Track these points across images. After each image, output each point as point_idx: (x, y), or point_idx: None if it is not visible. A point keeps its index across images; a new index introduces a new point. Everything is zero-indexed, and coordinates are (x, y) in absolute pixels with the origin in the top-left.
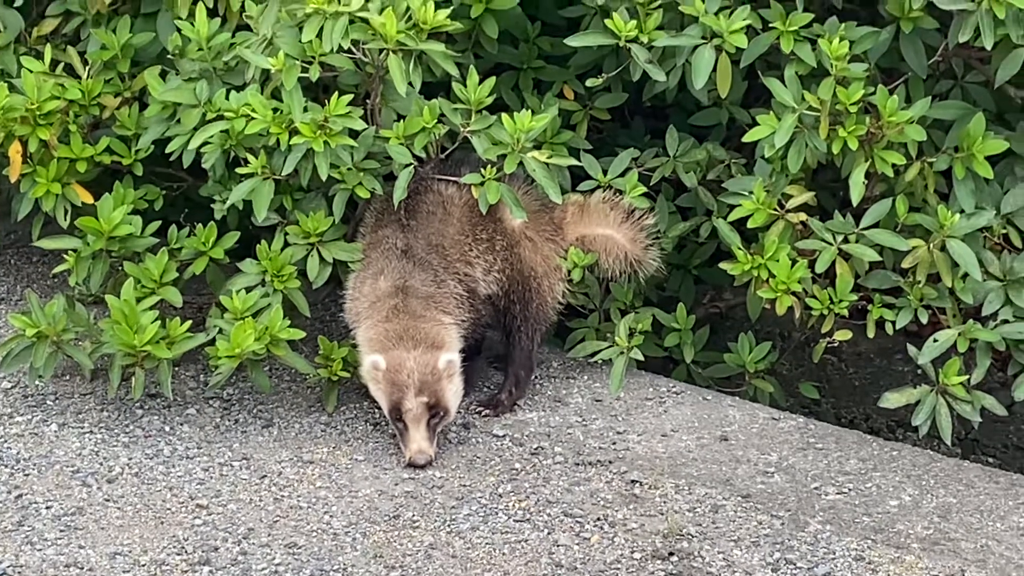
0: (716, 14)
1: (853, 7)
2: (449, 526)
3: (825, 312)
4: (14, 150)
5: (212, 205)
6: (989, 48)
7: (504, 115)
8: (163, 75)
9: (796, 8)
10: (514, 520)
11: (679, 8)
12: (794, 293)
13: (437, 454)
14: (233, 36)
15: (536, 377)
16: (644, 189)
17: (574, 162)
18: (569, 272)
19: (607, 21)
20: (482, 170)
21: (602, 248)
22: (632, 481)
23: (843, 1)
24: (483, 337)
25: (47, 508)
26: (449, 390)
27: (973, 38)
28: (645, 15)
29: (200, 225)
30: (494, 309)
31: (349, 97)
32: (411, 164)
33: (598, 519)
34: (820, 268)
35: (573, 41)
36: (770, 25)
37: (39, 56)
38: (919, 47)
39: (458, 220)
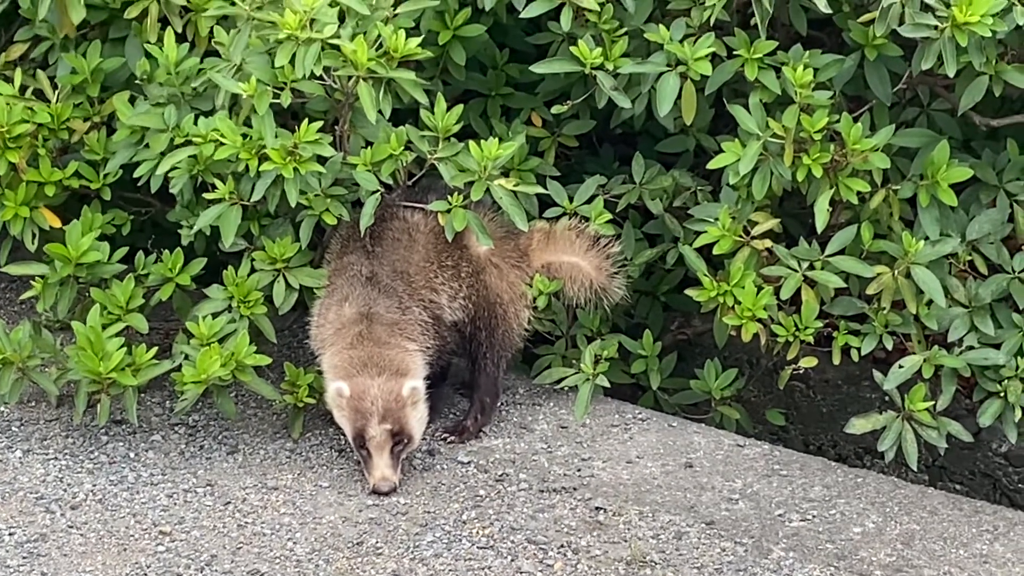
0: (681, 41)
1: (818, 34)
2: (413, 553)
3: (791, 339)
4: None
5: (179, 231)
6: (952, 75)
7: (471, 143)
8: (132, 100)
9: (760, 36)
10: (478, 547)
11: (644, 36)
12: (760, 320)
13: (401, 480)
14: (202, 61)
15: (502, 403)
16: (610, 216)
17: (541, 190)
18: (535, 299)
19: (573, 48)
20: (449, 197)
21: (568, 276)
22: (596, 508)
23: (807, 29)
24: (448, 364)
25: (10, 535)
26: (413, 417)
27: (937, 65)
28: (611, 42)
29: (167, 251)
30: (460, 336)
31: (319, 124)
32: (378, 191)
33: (562, 546)
34: (785, 295)
35: (539, 68)
36: (735, 53)
37: (8, 80)
38: (883, 75)
39: (423, 247)
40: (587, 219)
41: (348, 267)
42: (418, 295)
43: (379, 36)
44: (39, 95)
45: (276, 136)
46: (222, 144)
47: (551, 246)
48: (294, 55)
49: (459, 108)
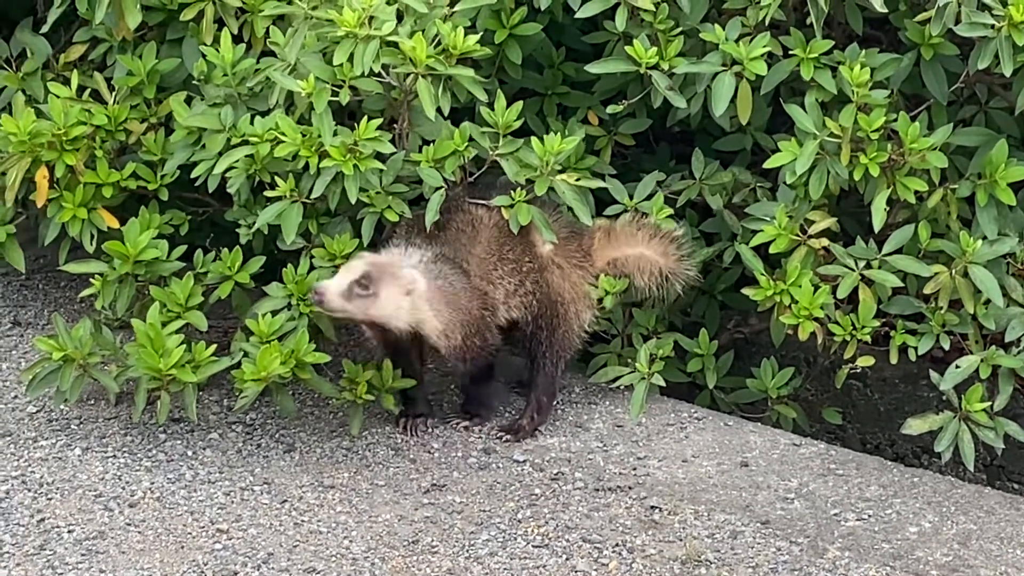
0: (736, 41)
1: (874, 33)
2: (468, 551)
3: (848, 338)
4: (41, 175)
5: (237, 229)
6: (1008, 74)
7: (533, 138)
8: (188, 101)
9: (816, 35)
10: (533, 546)
11: (699, 35)
12: (816, 319)
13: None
14: (258, 62)
15: (558, 402)
16: (671, 211)
17: (603, 184)
18: (600, 300)
19: (628, 48)
20: (512, 192)
21: (635, 267)
22: (652, 507)
23: (863, 27)
24: (492, 363)
25: (69, 532)
26: (392, 290)
27: (993, 64)
28: (666, 42)
29: (226, 249)
30: (520, 334)
31: (378, 121)
32: (442, 187)
33: (617, 545)
34: (842, 294)
35: (595, 68)
36: (790, 52)
37: (66, 82)
38: (940, 73)
39: (486, 240)
40: (647, 215)
41: (412, 253)
42: (474, 287)
43: (437, 33)
44: (96, 96)
45: (336, 133)
46: (281, 142)
47: (613, 242)
48: (352, 53)
49: (518, 105)
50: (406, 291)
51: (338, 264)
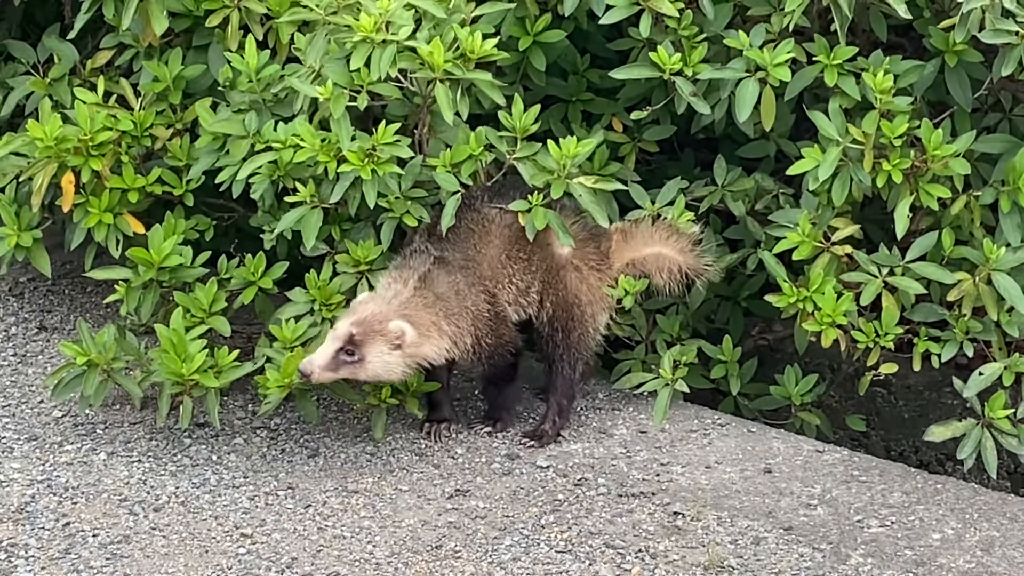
0: (760, 48)
1: (898, 40)
2: (491, 556)
3: (871, 345)
4: (67, 180)
5: (261, 235)
6: None
7: (550, 142)
8: (214, 107)
9: (840, 41)
10: (556, 551)
11: (724, 42)
12: (840, 326)
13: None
14: (282, 68)
15: (581, 408)
16: (691, 215)
17: (620, 186)
18: (620, 301)
19: (652, 55)
20: (529, 196)
21: (654, 266)
22: (675, 513)
23: (887, 34)
24: (515, 364)
25: (94, 536)
26: (377, 348)
27: (1018, 71)
28: (690, 48)
29: (249, 255)
30: (537, 336)
31: (397, 126)
32: (458, 191)
33: (640, 551)
34: (865, 301)
35: (618, 74)
36: (814, 59)
37: (92, 88)
38: (964, 80)
39: (498, 240)
40: (664, 216)
41: (421, 250)
42: (481, 284)
43: (455, 38)
44: (122, 102)
45: (354, 139)
46: (301, 148)
47: (631, 242)
48: (370, 58)
49: (536, 108)
50: (393, 346)
51: (362, 271)
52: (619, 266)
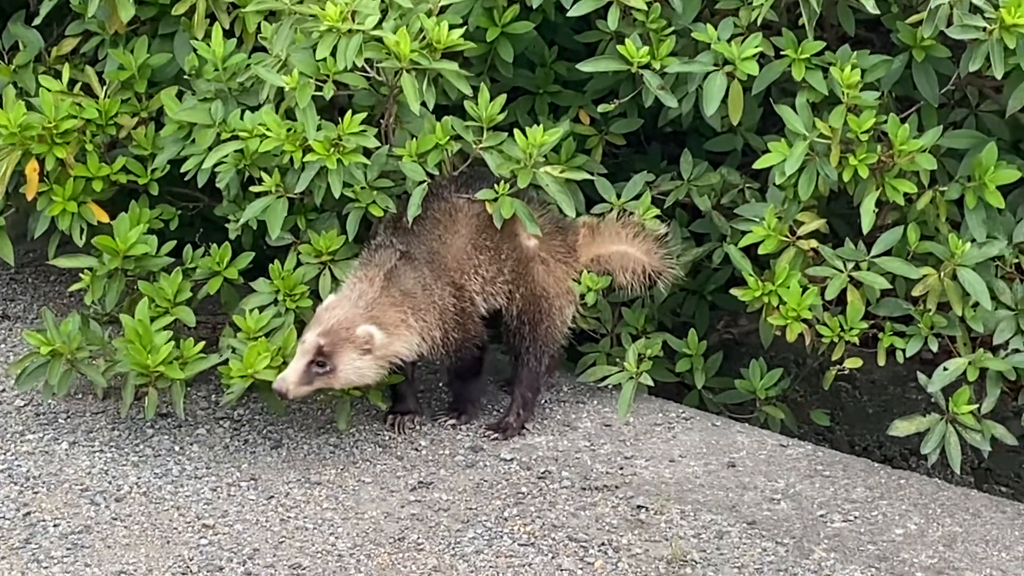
0: (728, 41)
1: (866, 35)
2: (454, 549)
3: (836, 339)
4: (31, 168)
5: (227, 225)
6: (999, 77)
7: (517, 131)
8: (179, 95)
9: (808, 36)
10: (519, 544)
11: (691, 35)
12: (805, 320)
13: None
14: (249, 57)
15: (546, 401)
16: (657, 212)
17: (588, 176)
18: (582, 296)
19: (620, 47)
20: (496, 186)
21: (618, 265)
22: (638, 506)
23: (855, 29)
24: (481, 357)
25: (55, 526)
26: (348, 356)
27: (985, 67)
28: (658, 41)
29: (215, 245)
30: (504, 329)
31: (362, 115)
32: (424, 181)
33: (603, 544)
34: (830, 295)
35: (586, 66)
36: (782, 53)
37: (57, 75)
38: (931, 75)
39: (465, 230)
40: (632, 213)
41: (386, 244)
42: (447, 276)
43: (422, 28)
44: (87, 90)
45: (319, 128)
46: (267, 137)
47: (598, 238)
48: (336, 47)
49: (502, 98)
50: (363, 351)
51: (325, 261)
52: (585, 260)
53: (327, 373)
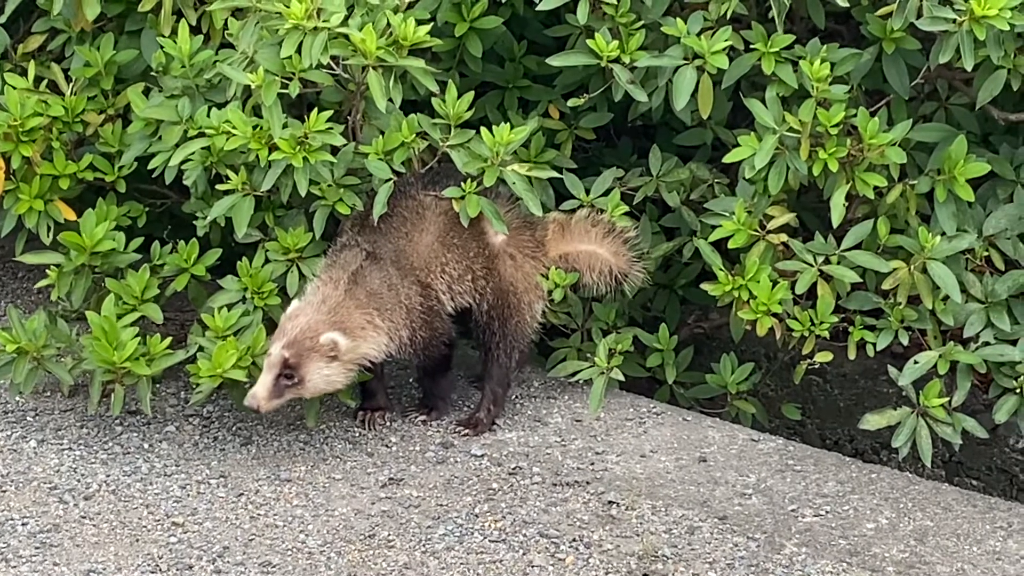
0: (698, 35)
1: (836, 28)
2: (424, 546)
3: (806, 333)
4: None
5: (195, 222)
6: (969, 69)
7: (484, 129)
8: (146, 92)
9: (778, 29)
10: (489, 540)
11: (661, 29)
12: (775, 314)
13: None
14: (216, 54)
15: (516, 396)
16: (626, 208)
17: (555, 174)
18: (550, 293)
19: (589, 41)
20: (463, 184)
21: (586, 264)
22: (609, 502)
23: (825, 22)
24: (449, 355)
25: (23, 525)
26: (315, 365)
27: (955, 59)
28: (627, 35)
29: (183, 242)
30: (474, 325)
31: (329, 113)
32: (390, 179)
33: (574, 540)
34: (801, 289)
35: (555, 61)
36: (752, 46)
37: (23, 73)
38: (902, 68)
39: (432, 227)
40: (603, 211)
41: (351, 244)
42: (413, 275)
43: (388, 25)
44: (54, 87)
45: (285, 126)
46: (233, 135)
47: (567, 236)
48: (301, 45)
49: (469, 95)
50: (329, 359)
51: (292, 258)
52: (553, 256)
53: (296, 385)
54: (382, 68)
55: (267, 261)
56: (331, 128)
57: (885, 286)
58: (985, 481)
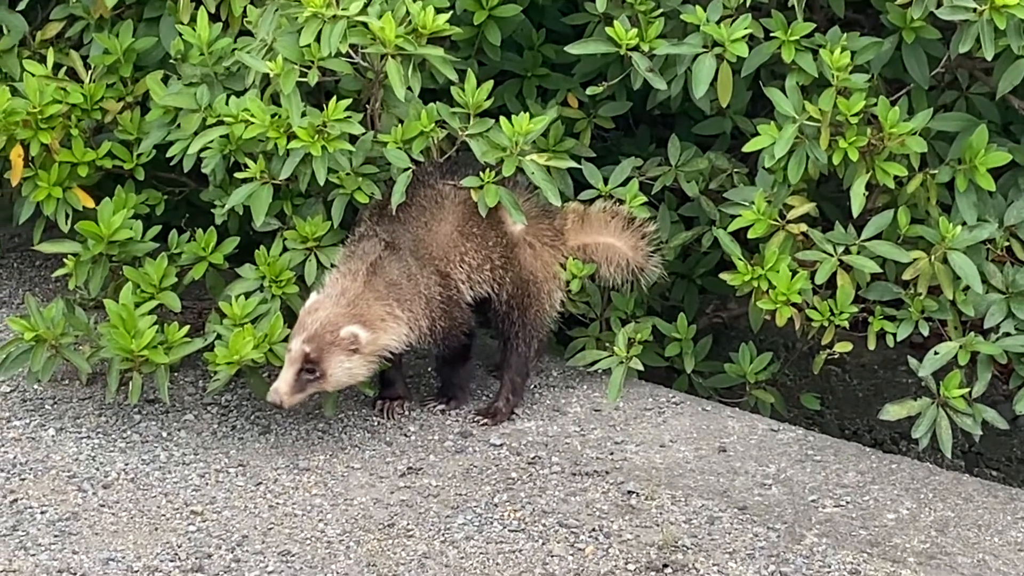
0: (717, 23)
1: (856, 16)
2: (443, 535)
3: (825, 324)
4: (16, 154)
5: (213, 210)
6: (990, 59)
7: (503, 118)
8: (165, 80)
9: (797, 17)
10: (509, 530)
11: (680, 17)
12: (794, 304)
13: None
14: (235, 41)
15: (535, 386)
16: (644, 199)
17: (573, 164)
18: (567, 283)
19: (608, 29)
20: (481, 173)
21: (603, 257)
22: (629, 492)
23: (845, 11)
24: (468, 345)
25: (42, 513)
26: (336, 359)
27: (975, 48)
28: (646, 23)
29: (200, 230)
30: (493, 315)
31: (347, 102)
32: (409, 168)
33: (593, 530)
34: (820, 279)
35: (574, 49)
36: (772, 34)
37: (42, 60)
38: (921, 57)
39: (452, 217)
40: (622, 201)
41: (369, 234)
42: (432, 265)
43: (407, 13)
44: (72, 75)
45: (304, 115)
46: (251, 123)
47: (586, 227)
48: (320, 33)
49: (488, 84)
50: (350, 352)
51: (310, 247)
52: (572, 246)
53: (318, 379)
54: (401, 56)
55: (285, 250)
56: (350, 117)
57: (905, 276)
58: (1005, 472)
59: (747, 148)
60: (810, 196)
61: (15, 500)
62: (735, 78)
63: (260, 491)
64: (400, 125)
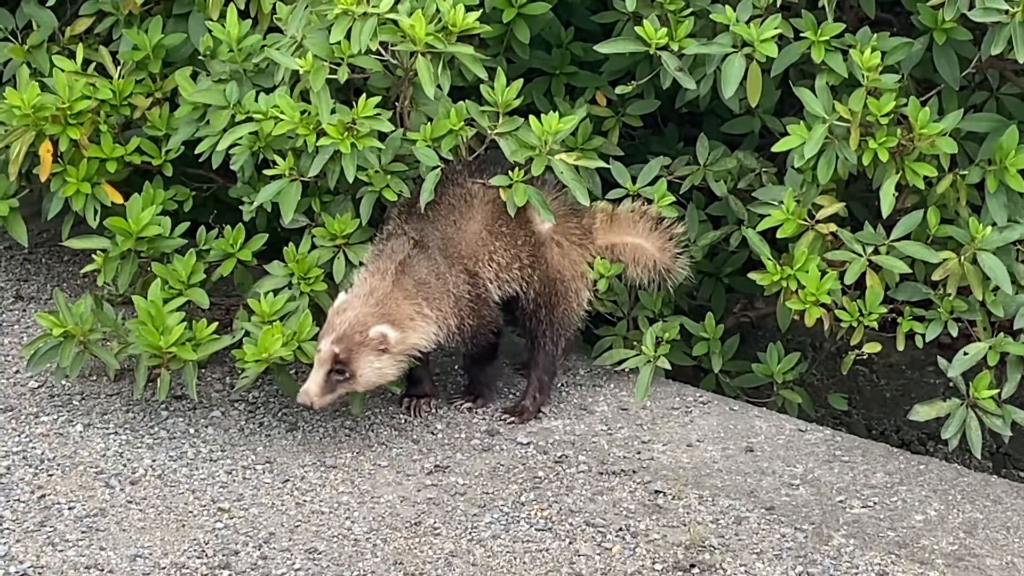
0: (747, 23)
1: (886, 17)
2: (470, 534)
3: (854, 324)
4: (44, 149)
5: (241, 206)
6: (1021, 61)
7: (532, 117)
8: (194, 76)
9: (828, 17)
10: (536, 529)
11: (710, 16)
12: (823, 304)
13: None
14: (264, 38)
15: (562, 384)
16: (672, 199)
17: (602, 164)
18: (595, 283)
19: (637, 28)
20: (510, 172)
21: (631, 257)
22: (656, 491)
23: (876, 11)
24: (496, 343)
25: (69, 509)
26: (366, 359)
27: (1007, 50)
28: (676, 23)
29: (229, 227)
30: (520, 313)
31: (377, 99)
32: (438, 167)
33: (620, 529)
34: (850, 279)
35: (603, 48)
36: (801, 35)
37: (71, 55)
38: (952, 58)
39: (480, 215)
40: (650, 201)
41: (398, 233)
42: (461, 263)
43: (437, 11)
44: (101, 70)
45: (333, 112)
46: (280, 120)
47: (614, 227)
48: (350, 30)
49: (518, 83)
50: (379, 352)
51: (339, 244)
52: (600, 245)
53: (348, 380)
54: (431, 54)
55: (313, 247)
56: (379, 114)
57: (935, 277)
58: None
59: (777, 148)
60: (839, 196)
61: (43, 496)
62: (764, 78)
63: (287, 488)
64: (429, 123)
